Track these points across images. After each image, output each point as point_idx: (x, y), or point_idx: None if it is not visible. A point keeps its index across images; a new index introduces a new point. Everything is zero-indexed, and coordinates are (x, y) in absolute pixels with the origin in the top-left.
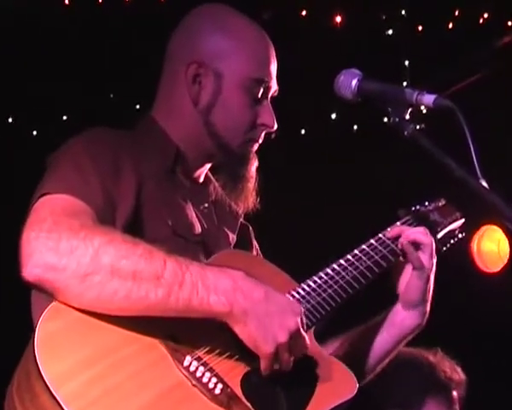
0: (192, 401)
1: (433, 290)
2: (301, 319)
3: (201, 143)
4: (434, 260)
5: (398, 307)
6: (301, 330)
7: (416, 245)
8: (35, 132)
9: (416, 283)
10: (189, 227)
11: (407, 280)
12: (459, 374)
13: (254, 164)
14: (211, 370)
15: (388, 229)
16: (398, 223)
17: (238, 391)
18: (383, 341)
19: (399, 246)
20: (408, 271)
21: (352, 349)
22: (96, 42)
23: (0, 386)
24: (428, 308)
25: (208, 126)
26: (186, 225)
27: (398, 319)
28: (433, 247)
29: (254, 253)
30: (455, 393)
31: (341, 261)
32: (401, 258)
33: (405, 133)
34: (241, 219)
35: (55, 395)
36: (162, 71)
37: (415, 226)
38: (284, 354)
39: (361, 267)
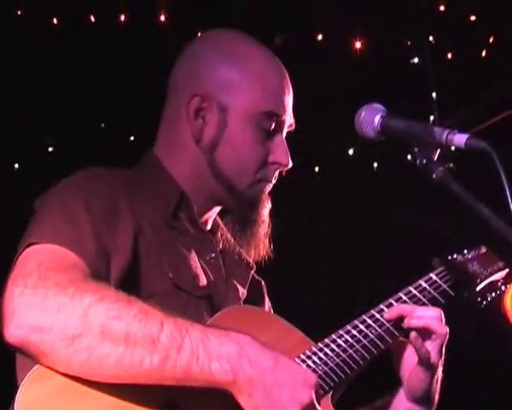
0: None
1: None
2: (316, 390)
3: (207, 185)
4: (443, 351)
5: (402, 396)
6: (315, 404)
7: (425, 332)
8: (17, 165)
9: (421, 377)
10: (193, 280)
11: (410, 369)
12: None
13: (267, 207)
14: None
15: (383, 307)
16: (431, 274)
17: None
18: None
19: (406, 326)
20: (411, 356)
21: None
22: (88, 66)
23: None
24: (436, 401)
25: (213, 166)
26: (189, 277)
27: (401, 409)
28: (446, 338)
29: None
30: None
31: (364, 318)
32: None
33: (434, 176)
34: (254, 273)
35: None
36: (165, 103)
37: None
38: None
39: (379, 330)
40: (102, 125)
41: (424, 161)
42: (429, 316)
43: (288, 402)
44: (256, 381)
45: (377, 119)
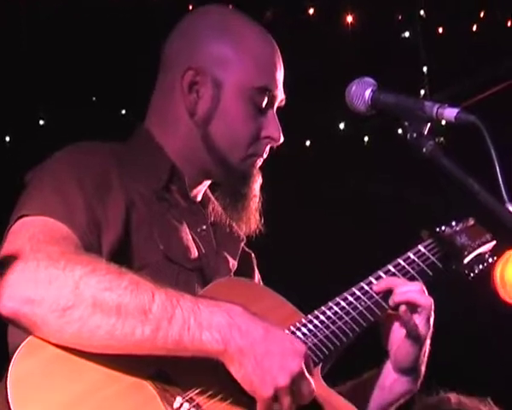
0: None
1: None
2: (306, 360)
3: (199, 159)
4: (431, 323)
5: (389, 368)
6: (305, 373)
7: (412, 306)
8: (8, 138)
9: (408, 348)
10: (184, 252)
11: (398, 342)
12: None
13: (258, 181)
14: None
15: (372, 279)
16: (419, 246)
17: None
18: (372, 403)
19: (391, 303)
20: (399, 329)
21: None
22: (79, 40)
23: None
24: (423, 372)
25: (206, 140)
26: (180, 249)
27: (387, 382)
28: (431, 309)
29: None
30: None
31: (354, 290)
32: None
33: (424, 150)
34: (244, 245)
35: None
36: (157, 78)
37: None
38: (285, 400)
39: (368, 302)
40: (94, 98)
41: (414, 135)
42: (411, 290)
43: (278, 372)
44: (246, 351)
45: (368, 93)
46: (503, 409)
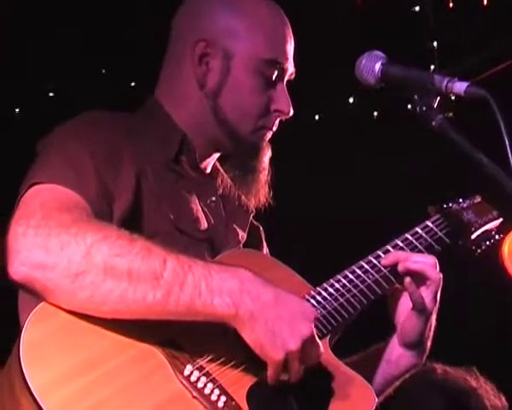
0: None
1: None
2: (315, 324)
3: (208, 131)
4: (438, 298)
5: (395, 342)
6: (315, 336)
7: (420, 277)
8: (17, 110)
9: (415, 322)
10: (194, 223)
11: (404, 315)
12: (502, 401)
13: (267, 154)
14: (214, 380)
15: (380, 253)
16: (427, 222)
17: (243, 405)
18: (377, 376)
19: (401, 270)
20: (405, 303)
21: None
22: (89, 11)
23: None
24: (429, 346)
25: (216, 112)
26: (190, 220)
27: (394, 355)
28: (440, 284)
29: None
30: None
31: (362, 263)
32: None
33: (433, 124)
34: (252, 218)
35: (42, 405)
36: (167, 49)
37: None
38: (294, 363)
39: (376, 275)
40: (103, 70)
41: (424, 109)
42: (424, 262)
43: (289, 335)
44: (257, 315)
45: (377, 66)
46: (488, 379)
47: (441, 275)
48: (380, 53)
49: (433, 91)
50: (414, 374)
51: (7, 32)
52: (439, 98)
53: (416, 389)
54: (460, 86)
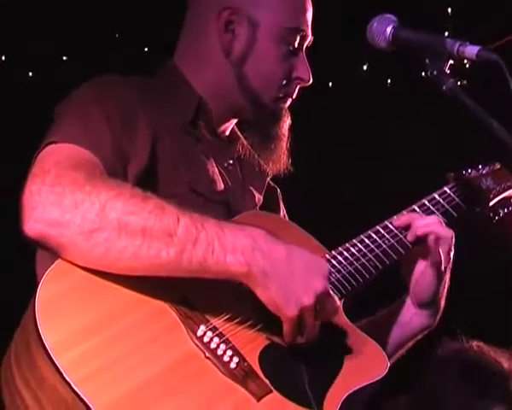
0: (204, 375)
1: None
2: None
3: (230, 97)
4: (452, 256)
5: (408, 303)
6: (329, 291)
7: (433, 238)
8: (31, 74)
9: (429, 280)
10: (210, 184)
11: (418, 275)
12: None
13: (287, 122)
14: (226, 341)
15: (395, 217)
16: (445, 188)
17: (256, 366)
18: (389, 338)
19: (410, 237)
20: (419, 262)
21: None
22: None
23: None
24: (442, 307)
25: (240, 79)
26: (206, 182)
27: (406, 316)
28: (452, 241)
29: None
30: None
31: (378, 228)
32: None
33: (444, 88)
34: (269, 180)
35: (56, 362)
36: (186, 14)
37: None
38: (309, 319)
39: (392, 241)
40: (116, 35)
41: (435, 73)
42: (431, 222)
43: (303, 292)
44: (270, 272)
45: (389, 29)
46: None
47: (452, 231)
48: (391, 16)
49: (445, 55)
50: (450, 350)
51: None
52: (451, 62)
53: (448, 366)
54: (471, 50)
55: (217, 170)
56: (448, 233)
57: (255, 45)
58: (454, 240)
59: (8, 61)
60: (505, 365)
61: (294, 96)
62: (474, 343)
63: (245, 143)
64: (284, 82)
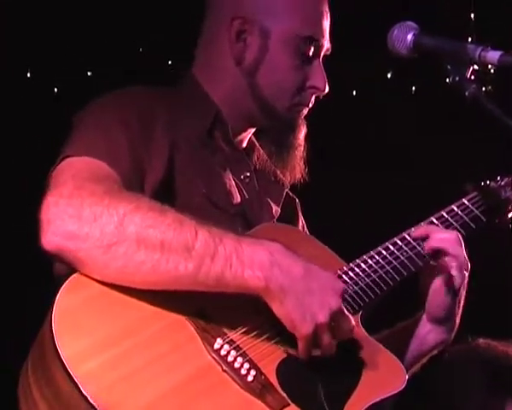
0: (221, 388)
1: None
2: (347, 300)
3: (244, 107)
4: (466, 274)
5: (424, 318)
6: (344, 309)
7: (446, 253)
8: (56, 89)
9: (442, 297)
10: (227, 197)
11: (433, 291)
12: None
13: (303, 131)
14: (244, 355)
15: (413, 228)
16: (463, 199)
17: (273, 379)
18: (406, 353)
19: (426, 250)
20: (435, 279)
21: None
22: None
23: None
24: (457, 323)
25: (252, 88)
26: (223, 194)
27: (422, 331)
28: (464, 260)
29: (300, 229)
30: None
31: (396, 240)
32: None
33: (466, 93)
34: (288, 191)
35: (72, 374)
36: (202, 25)
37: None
38: (324, 337)
39: (410, 253)
40: (140, 49)
41: (457, 78)
42: (445, 238)
43: (318, 309)
44: (287, 288)
45: (410, 36)
46: None
47: (463, 251)
48: (412, 23)
49: (467, 61)
50: (457, 353)
51: (44, 10)
52: (472, 68)
53: (458, 368)
54: (493, 55)
55: (233, 182)
56: (459, 252)
57: (267, 54)
58: (468, 262)
59: (34, 77)
60: None
61: (311, 106)
62: (481, 341)
63: (262, 153)
64: (297, 91)
